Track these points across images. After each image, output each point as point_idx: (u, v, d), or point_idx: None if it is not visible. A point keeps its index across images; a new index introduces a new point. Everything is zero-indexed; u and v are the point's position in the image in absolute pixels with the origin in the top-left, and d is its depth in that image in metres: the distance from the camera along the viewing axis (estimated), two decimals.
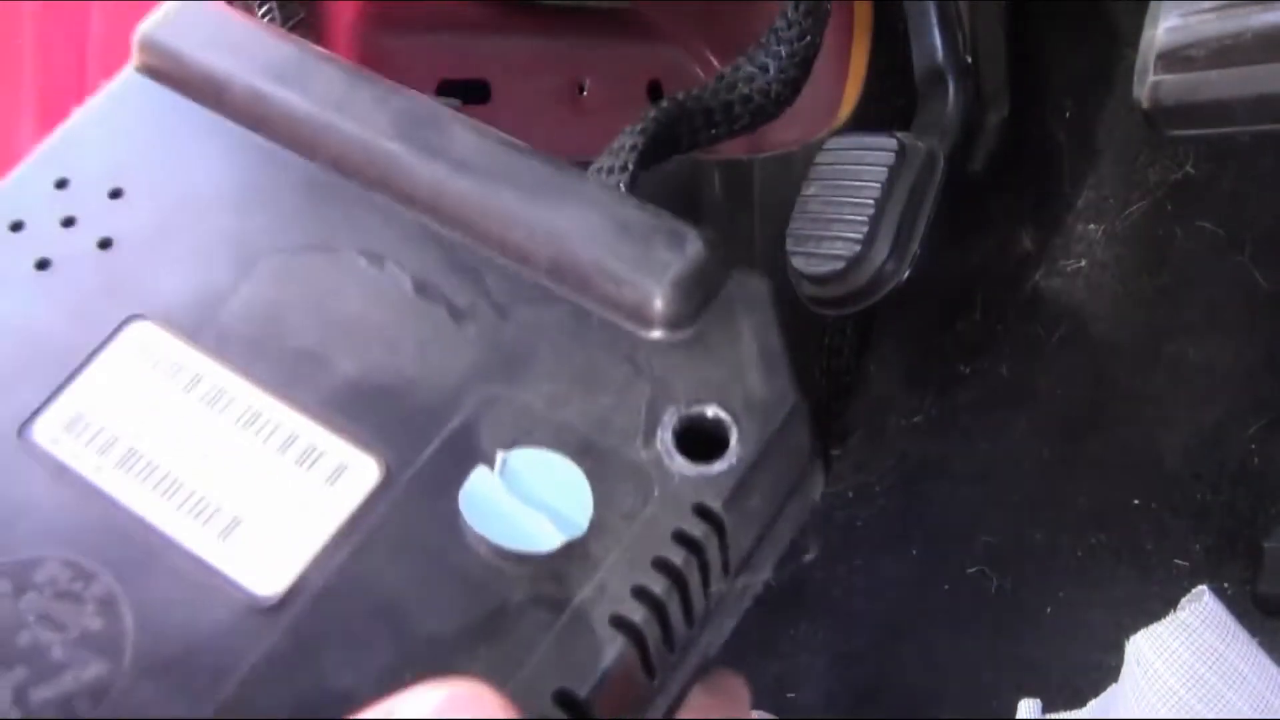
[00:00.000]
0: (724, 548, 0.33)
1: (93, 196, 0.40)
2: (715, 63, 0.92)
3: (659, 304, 0.35)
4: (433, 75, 0.83)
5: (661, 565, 0.32)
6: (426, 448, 0.34)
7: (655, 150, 0.77)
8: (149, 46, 0.42)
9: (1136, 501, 0.83)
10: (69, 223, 0.40)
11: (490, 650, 0.31)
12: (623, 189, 0.72)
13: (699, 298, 0.36)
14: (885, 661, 0.88)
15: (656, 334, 0.35)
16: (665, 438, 0.34)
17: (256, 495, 0.34)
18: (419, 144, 0.39)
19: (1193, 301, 0.86)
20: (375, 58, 0.81)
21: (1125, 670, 0.64)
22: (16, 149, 0.97)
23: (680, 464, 0.33)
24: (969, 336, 0.98)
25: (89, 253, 0.39)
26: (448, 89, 0.82)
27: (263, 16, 0.73)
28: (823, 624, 0.93)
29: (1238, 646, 0.62)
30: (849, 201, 0.87)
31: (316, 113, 0.40)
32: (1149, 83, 0.64)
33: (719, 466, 0.33)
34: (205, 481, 0.34)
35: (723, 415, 0.34)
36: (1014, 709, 0.73)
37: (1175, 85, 0.64)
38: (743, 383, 0.35)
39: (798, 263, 0.89)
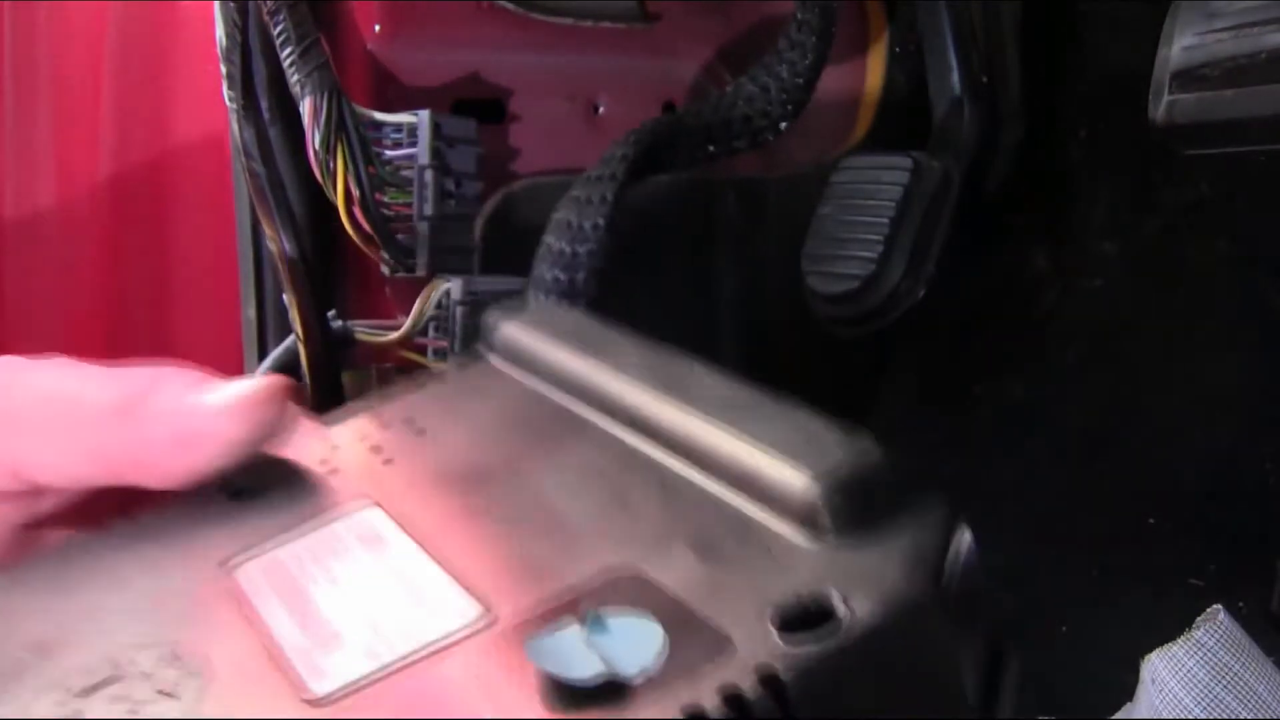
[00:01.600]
0: None
1: (404, 432, 0.47)
2: (731, 82, 0.93)
3: (812, 514, 0.34)
4: (448, 94, 0.83)
5: (695, 714, 0.30)
6: (536, 608, 0.34)
7: (647, 163, 0.77)
8: (500, 336, 0.49)
9: (1152, 520, 0.83)
10: (376, 450, 0.46)
11: None
12: (609, 198, 0.72)
13: (859, 513, 0.34)
14: None
15: (812, 543, 0.34)
16: (769, 614, 0.32)
17: (374, 628, 0.36)
18: (678, 398, 0.41)
19: (1208, 321, 0.86)
20: (390, 77, 0.81)
21: (1140, 689, 0.64)
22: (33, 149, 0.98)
23: (768, 634, 0.31)
24: (983, 356, 0.98)
25: (373, 464, 0.45)
26: (463, 108, 0.82)
27: (278, 37, 0.73)
28: None
29: (1253, 666, 0.62)
30: (864, 221, 0.88)
31: (618, 401, 0.43)
32: (1164, 102, 0.65)
33: (804, 640, 0.31)
34: (339, 616, 0.37)
35: (834, 595, 0.32)
36: None
37: (1190, 104, 0.64)
38: (877, 577, 0.32)
39: (813, 282, 0.89)
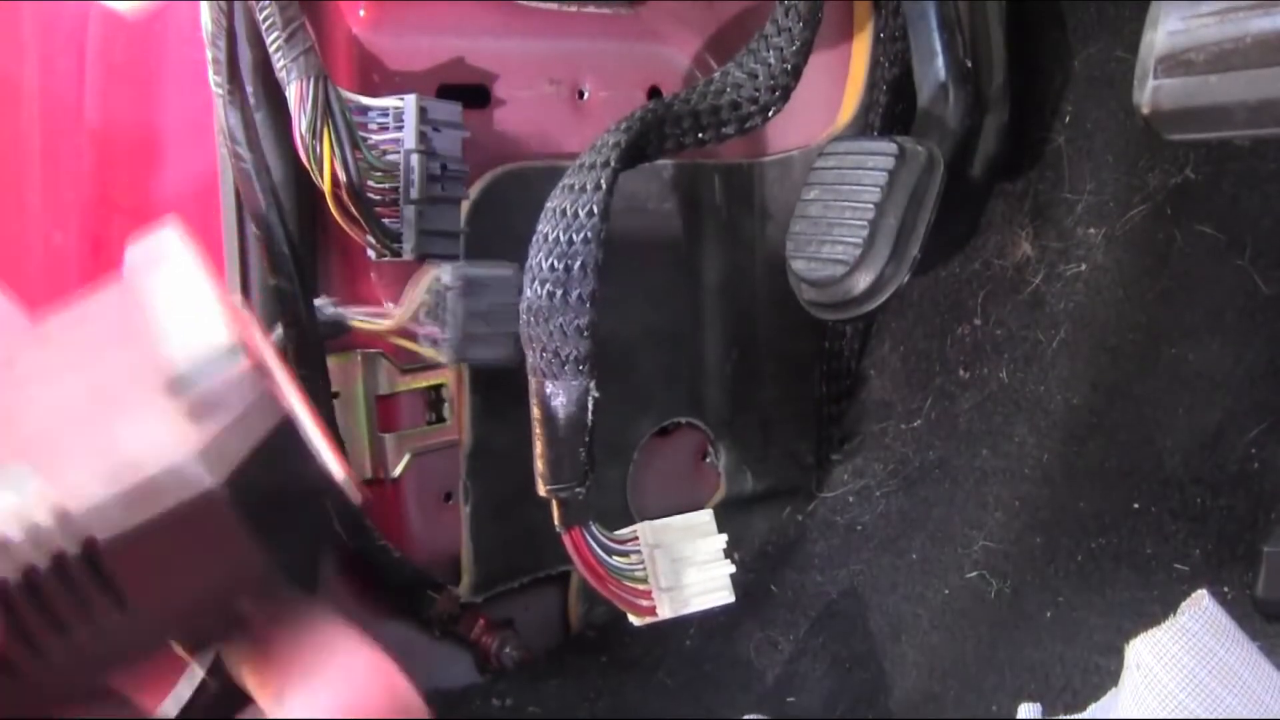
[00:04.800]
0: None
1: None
2: (716, 67, 0.93)
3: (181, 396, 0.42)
4: (433, 79, 0.83)
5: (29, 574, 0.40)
6: None
7: (638, 150, 0.77)
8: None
9: (1136, 505, 0.83)
10: None
11: None
12: (603, 185, 0.72)
13: (209, 404, 0.42)
14: (885, 665, 0.88)
15: (178, 419, 0.42)
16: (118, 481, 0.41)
17: None
18: None
19: (1192, 305, 0.86)
20: (375, 61, 0.81)
21: (1125, 674, 0.64)
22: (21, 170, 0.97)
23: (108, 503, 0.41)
24: (969, 341, 0.98)
25: None
26: (448, 93, 0.82)
27: (264, 22, 0.73)
28: (823, 628, 0.93)
29: (1237, 651, 0.62)
30: (849, 206, 0.87)
31: None
32: (1149, 87, 0.65)
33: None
34: None
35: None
36: (1013, 712, 0.73)
37: (1175, 89, 0.64)
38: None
39: (798, 267, 0.89)
